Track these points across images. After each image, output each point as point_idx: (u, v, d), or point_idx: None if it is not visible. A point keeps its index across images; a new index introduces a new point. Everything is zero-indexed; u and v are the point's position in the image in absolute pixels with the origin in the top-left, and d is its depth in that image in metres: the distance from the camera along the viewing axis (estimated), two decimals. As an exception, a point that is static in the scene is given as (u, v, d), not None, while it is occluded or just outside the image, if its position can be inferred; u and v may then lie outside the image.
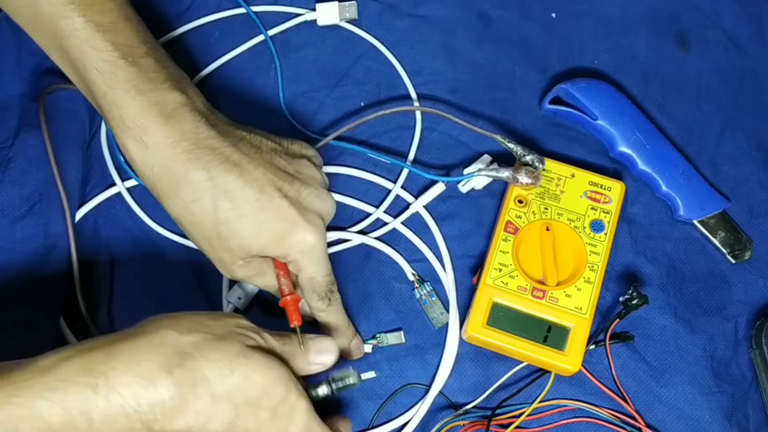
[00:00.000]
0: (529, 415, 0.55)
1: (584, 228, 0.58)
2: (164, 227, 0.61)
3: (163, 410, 0.42)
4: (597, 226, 0.58)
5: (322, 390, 0.50)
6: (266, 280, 0.54)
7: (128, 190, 0.62)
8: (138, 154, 0.50)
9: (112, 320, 0.59)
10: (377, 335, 0.58)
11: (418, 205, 0.61)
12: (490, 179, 0.62)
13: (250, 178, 0.50)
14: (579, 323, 0.55)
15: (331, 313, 0.54)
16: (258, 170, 0.51)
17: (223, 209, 0.50)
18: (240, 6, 0.67)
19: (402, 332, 0.59)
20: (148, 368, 0.42)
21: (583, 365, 0.55)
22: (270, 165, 0.52)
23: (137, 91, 0.49)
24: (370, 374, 0.56)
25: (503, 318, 0.56)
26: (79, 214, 0.61)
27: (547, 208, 0.59)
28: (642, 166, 0.62)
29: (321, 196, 0.53)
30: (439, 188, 0.62)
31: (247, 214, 0.50)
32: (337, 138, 0.61)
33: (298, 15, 0.67)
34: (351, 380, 0.51)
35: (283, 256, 0.52)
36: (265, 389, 0.45)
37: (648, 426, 0.56)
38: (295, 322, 0.52)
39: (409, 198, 0.62)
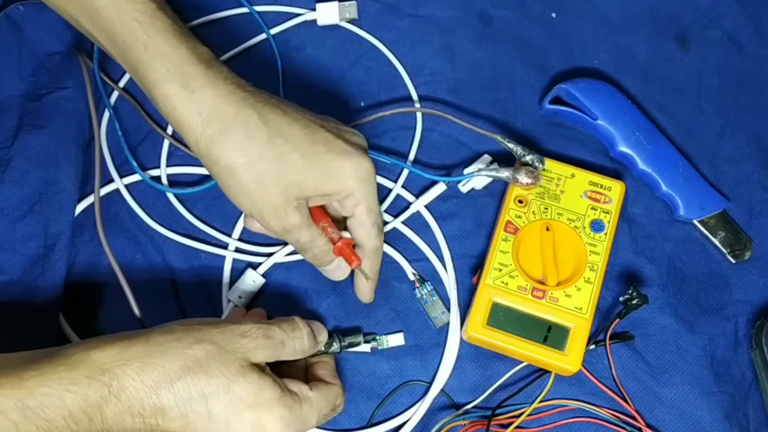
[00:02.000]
0: (529, 415, 0.55)
1: (584, 228, 0.58)
2: (164, 227, 0.61)
3: (164, 417, 0.45)
4: (597, 226, 0.58)
5: (333, 347, 0.55)
6: (312, 233, 0.54)
7: (127, 187, 0.62)
8: (184, 102, 0.50)
9: (113, 320, 0.59)
10: (377, 337, 0.58)
11: (418, 205, 0.62)
12: (490, 179, 0.62)
13: (293, 118, 0.52)
14: (579, 323, 0.55)
15: (380, 248, 0.56)
16: (297, 112, 0.53)
17: (276, 145, 0.50)
18: (240, 6, 0.67)
19: (402, 334, 0.59)
20: (153, 377, 0.45)
21: (583, 365, 0.55)
22: (304, 111, 0.54)
23: (177, 39, 0.50)
24: (399, 340, 0.59)
25: (503, 318, 0.56)
26: (78, 209, 0.61)
27: (547, 208, 0.59)
28: (642, 166, 0.62)
29: (357, 133, 0.55)
30: (439, 188, 0.62)
31: (298, 148, 0.51)
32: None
33: (298, 15, 0.67)
34: (356, 339, 0.57)
35: (338, 191, 0.52)
36: (260, 415, 0.47)
37: (648, 426, 0.56)
38: (356, 262, 0.55)
39: (409, 197, 0.62)
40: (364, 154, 0.53)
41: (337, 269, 0.57)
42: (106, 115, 0.64)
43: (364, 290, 0.57)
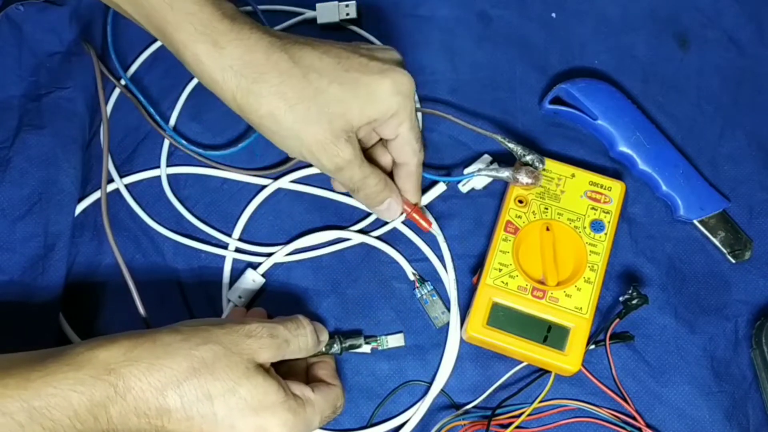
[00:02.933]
0: (529, 415, 0.55)
1: (584, 228, 0.58)
2: (164, 227, 0.61)
3: (170, 419, 0.45)
4: (597, 226, 0.58)
5: (334, 348, 0.56)
6: (364, 170, 0.53)
7: (127, 187, 0.62)
8: (214, 59, 0.50)
9: (113, 320, 0.59)
10: (377, 338, 0.58)
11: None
12: (490, 179, 0.62)
13: (322, 51, 0.51)
14: (579, 323, 0.55)
15: (422, 159, 0.57)
16: (325, 45, 0.52)
17: (312, 80, 0.50)
18: (245, 4, 0.67)
19: (402, 335, 0.59)
20: (159, 378, 0.44)
21: (583, 365, 0.55)
22: (332, 42, 0.53)
23: None
24: (400, 340, 0.59)
25: (503, 318, 0.56)
26: (78, 209, 0.61)
27: (547, 208, 0.59)
28: (642, 166, 0.62)
29: (389, 48, 0.55)
30: (439, 188, 0.62)
31: (335, 79, 0.50)
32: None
33: (298, 14, 0.67)
34: (357, 342, 0.57)
35: (383, 113, 0.52)
36: (265, 419, 0.46)
37: (648, 426, 0.56)
38: (428, 227, 0.59)
39: (409, 198, 0.62)
40: (400, 69, 0.52)
41: (387, 210, 0.57)
42: (109, 113, 0.64)
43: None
